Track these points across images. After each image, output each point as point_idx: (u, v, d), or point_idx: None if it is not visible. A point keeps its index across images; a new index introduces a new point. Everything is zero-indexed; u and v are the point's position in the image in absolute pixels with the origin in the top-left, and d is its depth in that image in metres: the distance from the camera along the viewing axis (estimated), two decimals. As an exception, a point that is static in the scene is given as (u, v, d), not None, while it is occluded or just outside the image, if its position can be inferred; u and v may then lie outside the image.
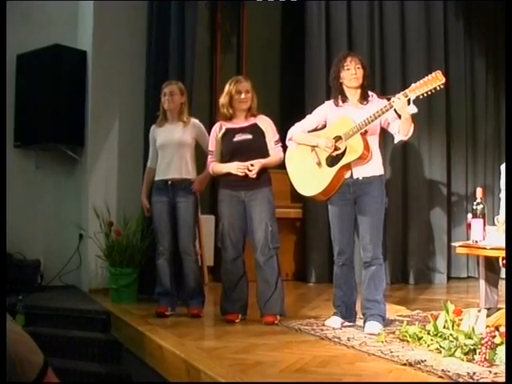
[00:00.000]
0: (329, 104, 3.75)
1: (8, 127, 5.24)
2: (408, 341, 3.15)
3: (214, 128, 4.06)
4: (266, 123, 3.97)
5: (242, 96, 3.90)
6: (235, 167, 3.83)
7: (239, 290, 3.93)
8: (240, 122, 3.97)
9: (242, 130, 3.93)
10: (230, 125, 3.98)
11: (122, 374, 3.73)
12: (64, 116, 5.33)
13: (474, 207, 3.90)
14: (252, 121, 3.96)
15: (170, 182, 4.15)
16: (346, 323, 3.67)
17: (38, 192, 5.58)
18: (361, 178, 3.57)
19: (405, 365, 2.73)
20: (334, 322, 3.65)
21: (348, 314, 3.69)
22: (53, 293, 5.14)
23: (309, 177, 3.71)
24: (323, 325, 3.66)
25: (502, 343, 2.65)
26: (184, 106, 4.24)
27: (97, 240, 4.73)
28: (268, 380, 2.56)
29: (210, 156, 4.04)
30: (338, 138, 3.57)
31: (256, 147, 3.90)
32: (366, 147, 3.52)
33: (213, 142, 4.03)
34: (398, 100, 3.39)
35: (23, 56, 5.46)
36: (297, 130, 3.80)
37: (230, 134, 3.95)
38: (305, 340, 3.32)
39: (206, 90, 6.13)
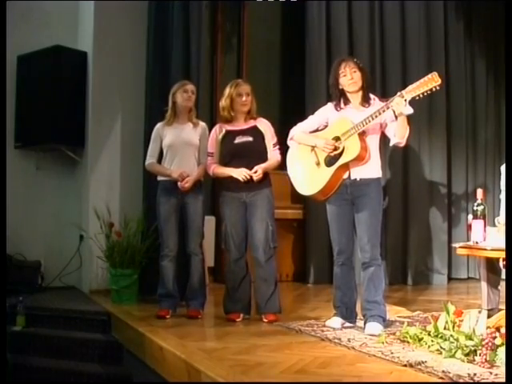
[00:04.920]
0: (331, 105, 3.76)
1: (8, 128, 5.22)
2: (408, 342, 3.15)
3: (213, 129, 4.09)
4: (265, 126, 4.02)
5: (243, 99, 3.94)
6: (239, 173, 3.86)
7: (242, 290, 3.97)
8: (240, 125, 4.00)
9: (243, 133, 3.96)
10: (229, 127, 4.00)
11: (122, 374, 3.73)
12: (64, 117, 5.31)
13: (475, 208, 3.89)
14: (252, 123, 4.00)
15: (178, 183, 4.11)
16: (347, 324, 3.68)
17: (38, 193, 5.57)
18: (358, 179, 3.59)
19: (405, 366, 2.73)
20: (335, 322, 3.65)
21: (348, 315, 3.70)
22: (53, 294, 5.13)
23: (308, 176, 3.74)
24: (323, 326, 3.67)
25: (502, 344, 2.66)
26: (193, 107, 4.27)
27: (97, 241, 4.74)
28: (268, 381, 2.57)
29: (209, 157, 4.06)
30: (336, 139, 3.60)
31: (256, 149, 3.95)
32: (364, 148, 3.54)
33: (212, 143, 4.05)
34: (394, 101, 3.41)
35: (24, 57, 5.46)
36: (298, 130, 3.83)
37: (230, 136, 3.98)
38: (305, 341, 3.32)
39: (206, 91, 6.11)
